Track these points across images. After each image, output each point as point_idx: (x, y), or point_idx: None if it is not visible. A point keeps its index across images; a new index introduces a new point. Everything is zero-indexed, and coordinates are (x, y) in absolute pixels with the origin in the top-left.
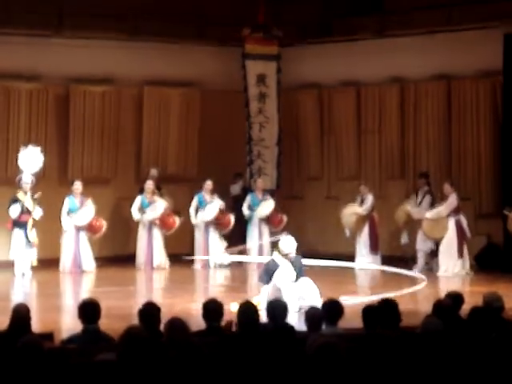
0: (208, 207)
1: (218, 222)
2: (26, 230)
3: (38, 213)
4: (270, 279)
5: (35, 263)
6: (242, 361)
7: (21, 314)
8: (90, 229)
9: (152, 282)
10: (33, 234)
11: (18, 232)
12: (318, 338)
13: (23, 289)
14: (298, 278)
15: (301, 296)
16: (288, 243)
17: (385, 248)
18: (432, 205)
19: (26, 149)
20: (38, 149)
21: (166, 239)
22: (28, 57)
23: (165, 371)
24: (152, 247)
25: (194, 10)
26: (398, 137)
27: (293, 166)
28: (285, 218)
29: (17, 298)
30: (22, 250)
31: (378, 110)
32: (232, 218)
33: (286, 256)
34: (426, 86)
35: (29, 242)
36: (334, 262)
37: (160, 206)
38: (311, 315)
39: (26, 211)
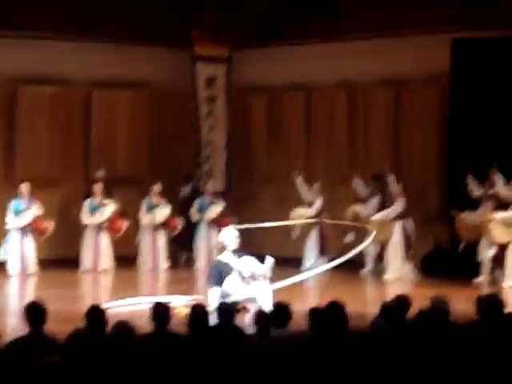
0: (157, 210)
1: (166, 225)
2: None
3: None
4: (218, 282)
5: None
6: (189, 362)
7: None
8: (36, 230)
9: (98, 285)
10: None
11: None
12: (262, 340)
13: None
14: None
15: (252, 299)
16: (229, 235)
17: (332, 250)
18: (382, 206)
19: None
20: None
21: (113, 241)
22: None
23: (111, 372)
24: (99, 250)
25: (142, 9)
26: (347, 141)
27: (244, 168)
28: (234, 222)
29: None
30: None
31: (327, 113)
32: (180, 221)
33: (234, 252)
34: (374, 90)
35: None
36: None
37: (108, 209)
38: (259, 318)
39: None
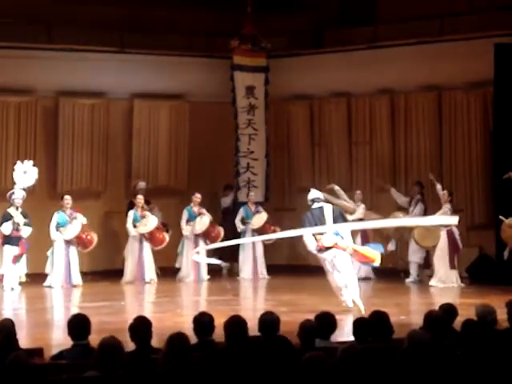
0: (198, 220)
1: (208, 235)
2: (17, 245)
3: (26, 231)
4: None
5: (24, 278)
6: (233, 375)
7: (5, 330)
8: (80, 243)
9: (142, 297)
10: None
11: (9, 248)
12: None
13: (12, 304)
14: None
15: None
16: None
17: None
18: (424, 214)
19: (19, 163)
20: (31, 163)
21: (155, 252)
22: (16, 69)
23: None
24: (142, 261)
25: (181, 21)
26: (388, 148)
27: (284, 177)
28: (278, 230)
29: (6, 313)
30: (12, 265)
31: (368, 120)
32: (222, 231)
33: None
34: (416, 96)
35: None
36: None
37: (152, 221)
38: (304, 329)
39: (16, 228)
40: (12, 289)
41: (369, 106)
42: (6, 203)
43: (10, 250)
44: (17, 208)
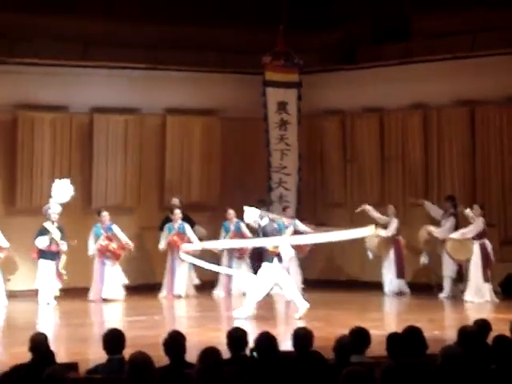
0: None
1: (240, 249)
2: (54, 260)
3: (64, 246)
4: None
5: (58, 293)
6: None
7: (39, 344)
8: (111, 255)
9: (176, 311)
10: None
11: (44, 262)
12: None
13: (48, 318)
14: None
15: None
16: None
17: (409, 274)
18: (456, 228)
19: (56, 180)
20: (68, 180)
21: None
22: (51, 86)
23: None
24: (176, 275)
25: (213, 37)
26: (421, 163)
27: (316, 192)
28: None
29: (42, 327)
30: (49, 280)
31: (401, 135)
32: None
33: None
34: (449, 112)
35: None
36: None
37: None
38: (341, 344)
39: (53, 242)
40: (48, 303)
41: (401, 120)
42: (40, 218)
43: (46, 265)
44: (53, 222)
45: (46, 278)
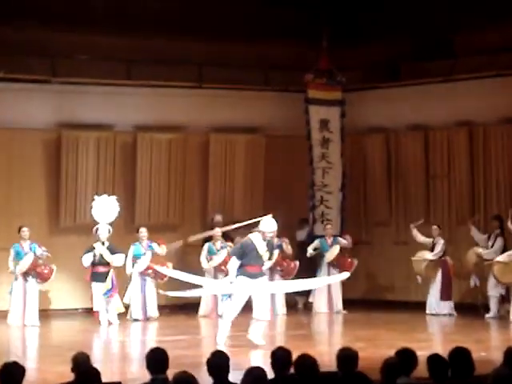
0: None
1: (282, 269)
2: (103, 282)
3: (119, 260)
4: (241, 257)
5: (122, 309)
6: None
7: (81, 364)
8: (153, 274)
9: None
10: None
11: (96, 285)
12: None
13: (95, 337)
14: (270, 256)
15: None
16: (268, 223)
17: (455, 294)
18: (504, 248)
19: (100, 198)
20: (114, 198)
21: None
22: (96, 105)
23: None
24: (216, 294)
25: (257, 56)
26: (467, 181)
27: (360, 210)
28: (355, 262)
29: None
30: (104, 301)
31: (446, 153)
32: (296, 265)
33: (262, 234)
34: (495, 129)
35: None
36: None
37: (223, 253)
38: (388, 365)
39: (103, 262)
40: (110, 323)
41: (447, 138)
42: (84, 236)
43: (98, 288)
44: (103, 243)
45: (102, 300)
